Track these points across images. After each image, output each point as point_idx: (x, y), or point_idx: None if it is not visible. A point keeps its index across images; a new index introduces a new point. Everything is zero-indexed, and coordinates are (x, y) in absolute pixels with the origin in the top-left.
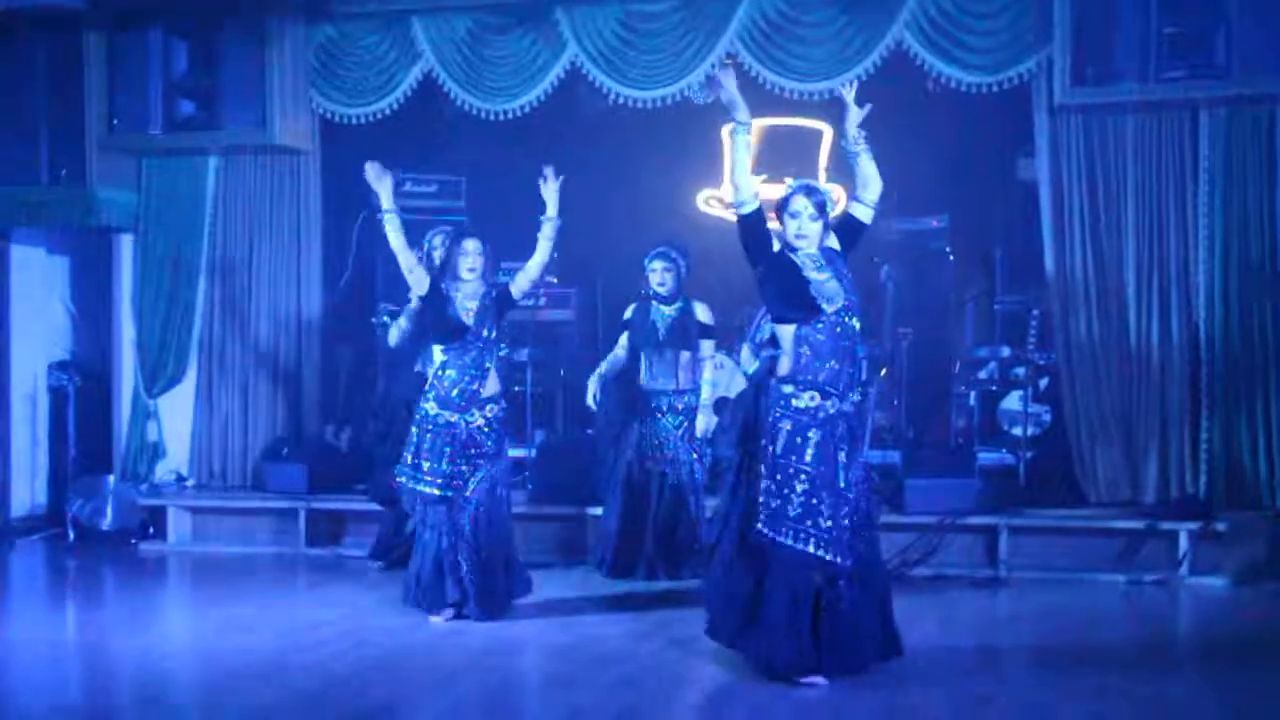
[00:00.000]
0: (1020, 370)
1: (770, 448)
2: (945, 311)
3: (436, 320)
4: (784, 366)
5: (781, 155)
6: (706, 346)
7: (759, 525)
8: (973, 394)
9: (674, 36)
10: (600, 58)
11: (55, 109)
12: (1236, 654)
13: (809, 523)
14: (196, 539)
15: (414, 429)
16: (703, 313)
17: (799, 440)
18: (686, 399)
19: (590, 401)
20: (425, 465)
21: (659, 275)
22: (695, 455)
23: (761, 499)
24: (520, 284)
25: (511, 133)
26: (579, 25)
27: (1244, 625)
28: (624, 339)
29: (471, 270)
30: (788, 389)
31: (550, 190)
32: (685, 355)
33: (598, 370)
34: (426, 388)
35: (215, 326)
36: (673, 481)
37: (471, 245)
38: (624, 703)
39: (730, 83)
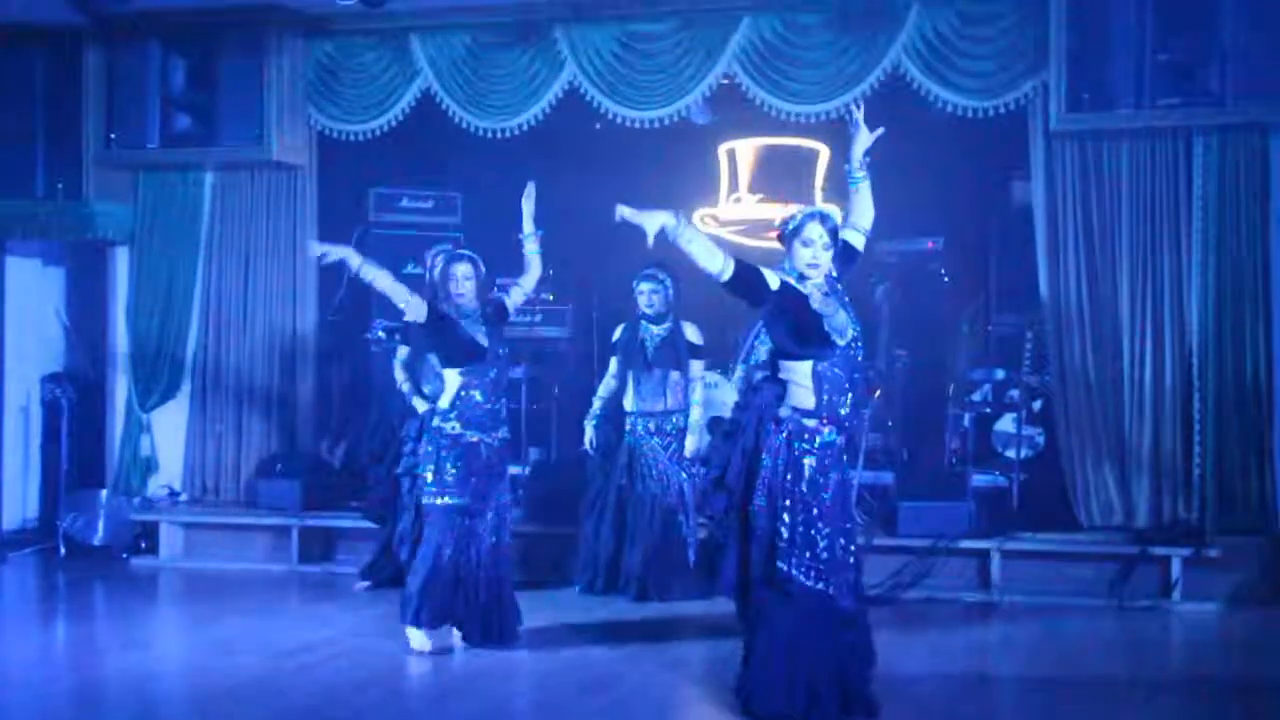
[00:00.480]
0: (1015, 393)
1: (795, 485)
2: (940, 333)
3: (450, 344)
4: (806, 399)
5: (776, 175)
6: (696, 367)
7: (783, 565)
8: (967, 416)
9: (671, 58)
10: (598, 77)
11: (53, 122)
12: (1226, 681)
13: (829, 565)
14: (188, 554)
15: (429, 448)
16: (692, 333)
17: (820, 480)
18: (675, 420)
19: (587, 445)
20: (449, 480)
21: (647, 297)
22: (685, 476)
23: (786, 536)
24: (515, 299)
25: (508, 149)
26: (577, 45)
27: (1235, 652)
28: (614, 364)
29: (461, 295)
30: (810, 423)
31: (527, 208)
32: (674, 375)
33: (592, 410)
34: (446, 409)
35: (210, 341)
36: (664, 503)
37: (460, 270)
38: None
39: (629, 212)
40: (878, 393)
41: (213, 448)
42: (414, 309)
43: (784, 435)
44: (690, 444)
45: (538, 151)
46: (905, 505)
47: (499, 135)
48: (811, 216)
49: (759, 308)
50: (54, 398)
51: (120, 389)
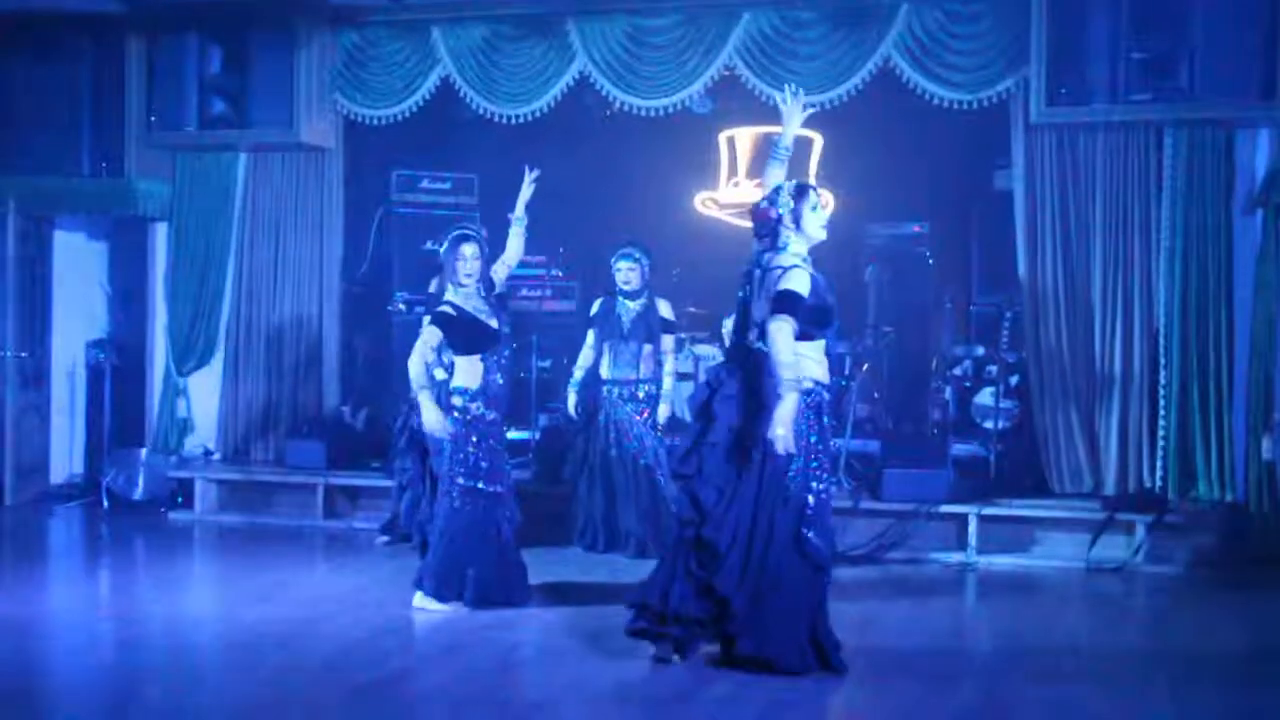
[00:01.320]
0: (993, 368)
1: (817, 443)
2: (924, 312)
3: (469, 334)
4: (823, 371)
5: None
6: (667, 341)
7: (807, 530)
8: (948, 389)
9: (676, 50)
10: (607, 68)
11: (98, 106)
12: (1184, 636)
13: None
14: (221, 509)
15: (465, 430)
16: (665, 309)
17: (826, 443)
18: (647, 388)
19: (571, 411)
20: (474, 462)
21: (624, 274)
22: (658, 439)
23: (814, 509)
24: (499, 274)
25: (523, 134)
26: (588, 37)
27: (1192, 611)
28: (591, 335)
29: (469, 276)
30: (825, 395)
31: (525, 192)
32: (647, 348)
33: (572, 380)
34: (475, 390)
35: (242, 311)
36: (643, 463)
37: (469, 250)
38: (624, 672)
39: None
40: (865, 366)
41: (244, 410)
42: (430, 336)
43: (814, 405)
44: (663, 411)
45: (550, 136)
46: (889, 472)
47: (513, 121)
48: (810, 186)
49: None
50: (98, 362)
51: (159, 355)
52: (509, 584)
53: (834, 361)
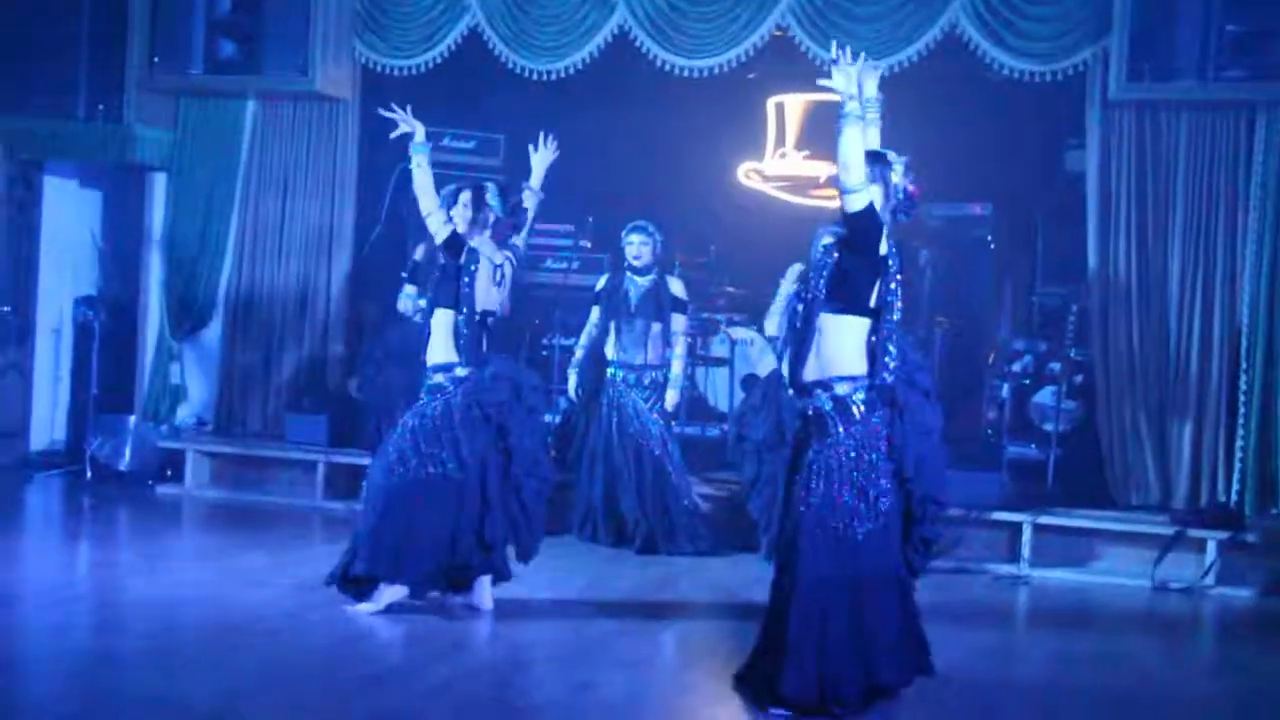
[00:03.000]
0: (1056, 365)
1: (869, 452)
2: (983, 301)
3: (450, 278)
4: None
5: (825, 132)
6: (678, 320)
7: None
8: (1005, 386)
9: (724, 6)
10: (649, 23)
11: (96, 43)
12: (1259, 670)
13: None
14: (214, 484)
15: (424, 397)
16: (676, 287)
17: (884, 447)
18: (654, 374)
19: (572, 393)
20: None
21: (635, 248)
22: (666, 427)
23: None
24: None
25: (553, 93)
26: None
27: (1269, 639)
28: (595, 313)
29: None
30: (867, 395)
31: (540, 159)
32: (655, 327)
33: (574, 359)
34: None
35: (244, 272)
36: (650, 452)
37: (461, 196)
38: (632, 683)
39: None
40: None
41: (241, 379)
42: (435, 225)
43: (861, 401)
44: (671, 398)
45: (584, 96)
46: None
47: (546, 77)
48: (901, 159)
49: (864, 259)
50: (86, 320)
51: (153, 316)
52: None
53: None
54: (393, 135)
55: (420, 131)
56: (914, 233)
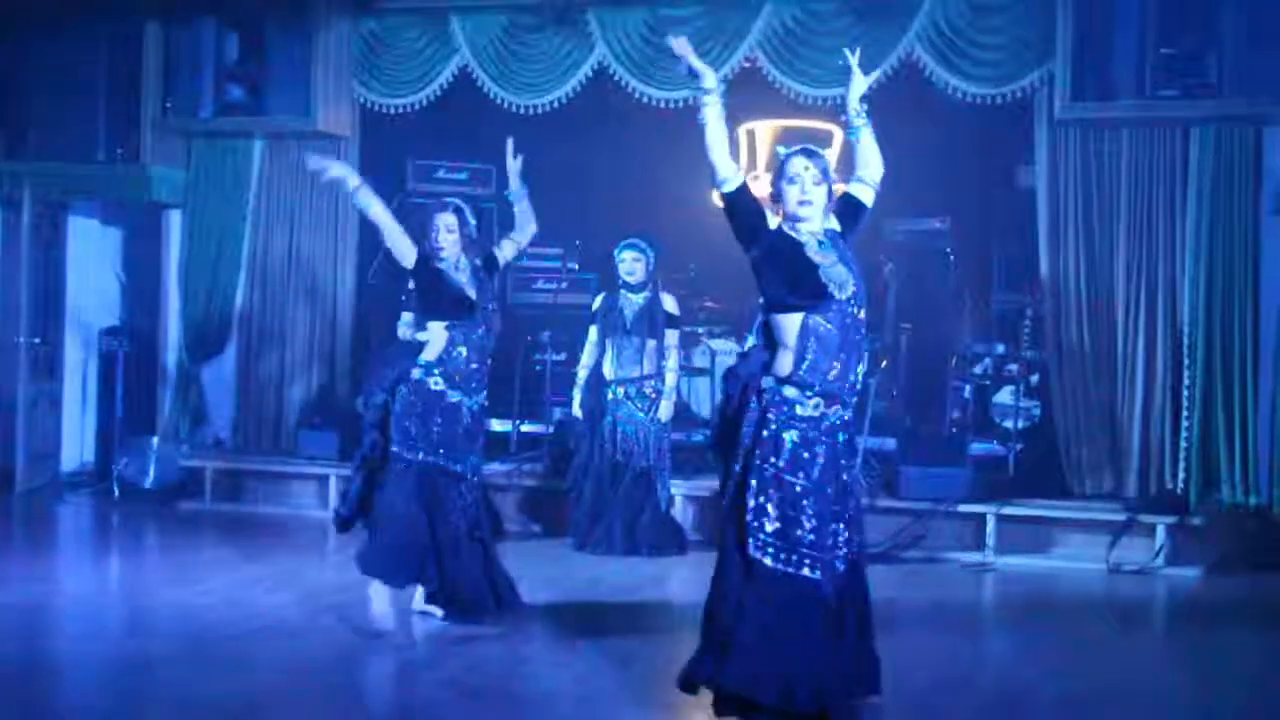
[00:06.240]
0: (1013, 367)
1: (771, 460)
2: (944, 308)
3: (436, 294)
4: (784, 365)
5: None
6: (671, 336)
7: (756, 553)
8: (967, 387)
9: (697, 40)
10: (627, 58)
11: (114, 92)
12: (1205, 641)
13: (815, 549)
14: (233, 499)
15: (415, 401)
16: (670, 303)
17: (805, 455)
18: (652, 384)
19: (576, 411)
20: (426, 435)
21: (628, 265)
22: (662, 436)
23: (754, 519)
24: (507, 252)
25: (540, 125)
26: (607, 27)
27: (1215, 614)
28: (593, 332)
29: (441, 248)
30: (790, 393)
31: (512, 167)
32: (651, 343)
33: (577, 380)
34: (431, 362)
35: (255, 300)
36: (642, 465)
37: (442, 220)
38: (625, 676)
39: (686, 49)
40: (884, 363)
41: (256, 399)
42: (402, 250)
43: (760, 407)
44: (665, 409)
45: (568, 128)
46: (906, 470)
47: (531, 111)
48: (796, 152)
49: (749, 246)
50: (111, 350)
51: (172, 342)
52: (457, 584)
53: (823, 348)
54: (324, 180)
55: (352, 179)
56: (878, 247)
